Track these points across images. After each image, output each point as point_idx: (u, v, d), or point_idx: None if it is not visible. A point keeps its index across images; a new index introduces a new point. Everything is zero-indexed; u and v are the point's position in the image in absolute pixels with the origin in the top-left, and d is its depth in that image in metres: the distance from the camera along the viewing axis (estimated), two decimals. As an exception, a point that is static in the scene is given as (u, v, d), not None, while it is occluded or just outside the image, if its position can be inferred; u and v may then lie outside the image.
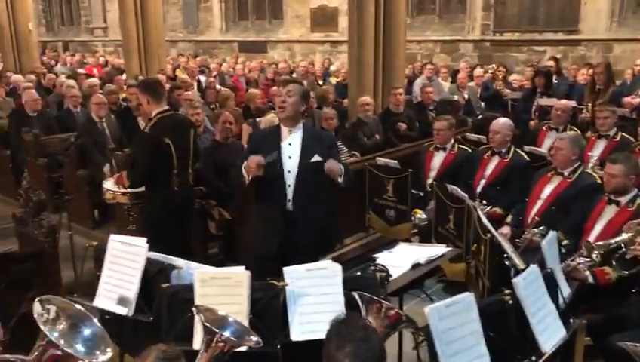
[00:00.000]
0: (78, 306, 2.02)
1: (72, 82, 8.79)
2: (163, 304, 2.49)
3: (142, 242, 2.65)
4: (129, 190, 4.50)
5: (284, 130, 3.58)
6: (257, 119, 6.74)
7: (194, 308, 2.03)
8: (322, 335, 2.47)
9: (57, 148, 6.83)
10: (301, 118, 3.62)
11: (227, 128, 5.42)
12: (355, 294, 2.14)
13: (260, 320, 2.45)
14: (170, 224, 4.28)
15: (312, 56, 15.96)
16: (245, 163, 3.44)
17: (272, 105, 7.54)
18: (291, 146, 3.53)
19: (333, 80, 11.94)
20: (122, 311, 2.59)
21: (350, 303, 2.44)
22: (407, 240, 4.76)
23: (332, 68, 13.26)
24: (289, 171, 3.50)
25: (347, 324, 1.70)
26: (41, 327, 1.83)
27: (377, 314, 1.98)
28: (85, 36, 22.09)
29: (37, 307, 1.87)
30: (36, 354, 1.86)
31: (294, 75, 12.03)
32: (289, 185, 3.51)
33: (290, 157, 3.52)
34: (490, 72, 10.21)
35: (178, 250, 3.30)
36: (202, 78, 11.70)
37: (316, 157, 3.49)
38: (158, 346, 1.68)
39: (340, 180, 3.46)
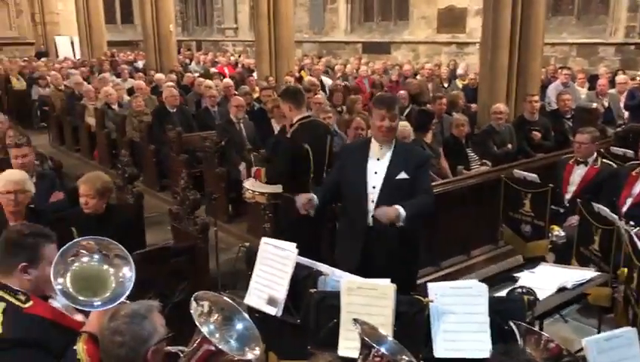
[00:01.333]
0: (229, 300, 2.15)
1: (210, 82, 9.35)
2: (311, 308, 2.60)
3: (292, 247, 2.78)
4: (266, 190, 4.74)
5: (374, 144, 3.58)
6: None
7: (354, 320, 2.09)
8: (467, 355, 2.48)
9: (197, 146, 7.32)
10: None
11: (359, 134, 5.51)
12: (512, 324, 2.09)
13: (403, 334, 2.48)
14: (305, 227, 4.42)
15: (437, 57, 15.73)
16: (298, 198, 3.54)
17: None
18: (379, 162, 3.53)
19: (459, 83, 11.68)
20: (271, 311, 2.73)
21: (497, 326, 2.41)
22: (542, 259, 4.56)
23: (459, 71, 12.97)
24: (373, 186, 3.50)
25: (510, 356, 1.68)
26: (197, 323, 1.97)
27: (536, 346, 1.92)
28: (217, 36, 23.37)
29: (193, 304, 2.03)
30: (193, 346, 2.01)
31: (418, 77, 11.94)
32: (372, 201, 3.49)
33: (375, 173, 3.51)
34: (638, 78, 9.44)
35: (310, 252, 3.43)
36: (325, 79, 11.94)
37: (402, 175, 3.45)
38: (324, 356, 1.76)
39: (400, 224, 3.29)
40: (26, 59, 17.29)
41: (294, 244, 2.79)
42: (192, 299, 1.95)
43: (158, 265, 3.35)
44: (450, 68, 13.37)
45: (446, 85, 11.68)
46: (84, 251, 2.16)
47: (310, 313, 2.61)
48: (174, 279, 3.41)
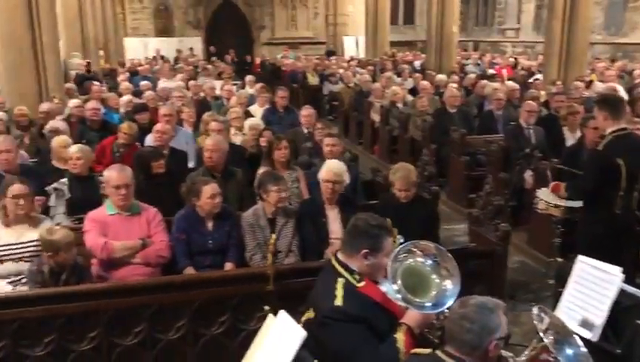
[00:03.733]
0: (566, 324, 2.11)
1: (497, 85, 9.21)
2: (637, 340, 2.40)
3: (617, 271, 2.59)
4: (563, 203, 4.48)
5: None
6: None
7: None
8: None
9: (479, 148, 7.29)
10: None
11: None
12: None
13: None
14: (607, 248, 4.08)
15: None
16: None
17: None
18: None
19: None
20: (586, 334, 2.60)
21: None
22: None
23: None
24: None
25: None
26: (539, 332, 1.97)
27: None
28: (496, 37, 22.81)
29: (535, 311, 2.03)
30: (532, 354, 2.01)
31: None
32: None
33: None
34: None
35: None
36: (618, 87, 10.73)
37: None
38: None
39: None
40: (318, 57, 19.26)
41: (620, 269, 2.60)
42: (537, 308, 1.97)
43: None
44: None
45: None
46: (419, 251, 2.35)
47: (636, 345, 2.40)
48: (470, 281, 3.45)
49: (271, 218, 4.12)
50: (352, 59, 18.83)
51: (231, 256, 4.04)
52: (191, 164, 5.92)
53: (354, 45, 22.71)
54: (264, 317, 3.07)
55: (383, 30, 18.65)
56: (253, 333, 3.30)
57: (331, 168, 4.16)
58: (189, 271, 3.89)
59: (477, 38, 23.94)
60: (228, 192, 4.63)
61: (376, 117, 10.23)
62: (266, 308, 2.47)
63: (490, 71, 15.19)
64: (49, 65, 8.75)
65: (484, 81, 10.36)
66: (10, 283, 3.68)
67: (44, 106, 7.35)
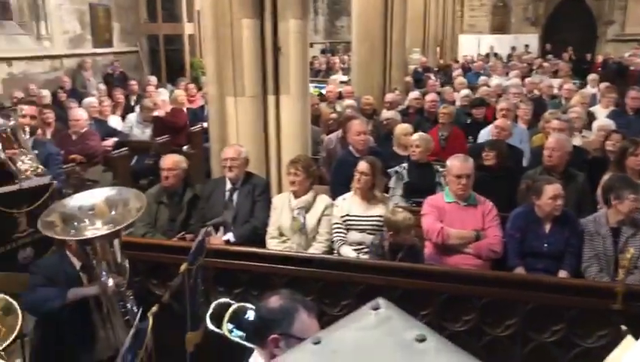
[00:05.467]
0: None
1: None
2: None
3: None
4: None
5: None
6: None
7: None
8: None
9: None
10: None
11: None
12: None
13: None
14: None
15: None
16: None
17: None
18: None
19: None
20: None
21: None
22: None
23: None
24: None
25: None
26: None
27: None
28: None
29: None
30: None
31: None
32: None
33: None
34: None
35: None
36: None
37: None
38: None
39: None
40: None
41: None
42: None
43: None
44: None
45: None
46: None
47: None
48: None
49: (615, 227, 3.69)
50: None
51: (567, 263, 3.76)
52: (524, 163, 5.71)
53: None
54: (608, 337, 2.77)
55: None
56: (589, 351, 3.04)
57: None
58: (519, 271, 3.76)
59: None
60: (566, 196, 4.31)
61: None
62: (624, 328, 2.19)
63: None
64: (395, 60, 9.52)
65: None
66: (354, 250, 4.11)
67: (389, 97, 8.00)
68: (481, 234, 3.85)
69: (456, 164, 3.95)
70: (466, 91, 8.58)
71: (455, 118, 6.75)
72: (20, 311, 2.17)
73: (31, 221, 3.60)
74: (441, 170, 4.92)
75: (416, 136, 5.28)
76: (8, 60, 10.39)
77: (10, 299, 2.20)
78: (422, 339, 0.77)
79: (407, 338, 0.79)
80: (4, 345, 2.07)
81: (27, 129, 4.88)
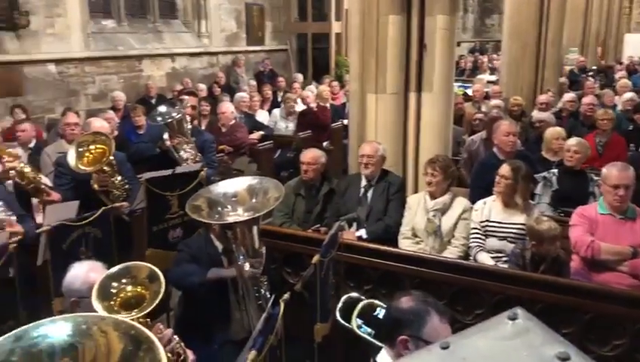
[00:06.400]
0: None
1: None
2: None
3: None
4: None
5: None
6: None
7: None
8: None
9: None
10: None
11: None
12: None
13: None
14: None
15: None
16: None
17: None
18: None
19: None
20: None
21: None
22: None
23: None
24: None
25: None
26: None
27: None
28: None
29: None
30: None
31: None
32: None
33: None
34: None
35: None
36: None
37: None
38: None
39: None
40: None
41: None
42: None
43: None
44: None
45: None
46: None
47: None
48: None
49: None
50: None
51: None
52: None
53: None
54: None
55: None
56: None
57: None
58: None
59: None
60: None
61: None
62: None
63: None
64: (549, 60, 8.91)
65: None
66: (492, 258, 3.90)
67: (543, 98, 7.54)
68: (639, 251, 3.47)
69: (614, 172, 3.58)
70: (629, 94, 7.79)
71: (615, 124, 6.17)
72: (162, 279, 2.36)
73: (181, 204, 3.87)
74: (595, 178, 4.51)
75: (573, 141, 4.89)
76: (172, 56, 11.33)
77: (154, 268, 2.40)
78: (565, 358, 0.69)
79: (547, 354, 0.71)
80: (150, 308, 2.26)
81: (188, 118, 5.29)
